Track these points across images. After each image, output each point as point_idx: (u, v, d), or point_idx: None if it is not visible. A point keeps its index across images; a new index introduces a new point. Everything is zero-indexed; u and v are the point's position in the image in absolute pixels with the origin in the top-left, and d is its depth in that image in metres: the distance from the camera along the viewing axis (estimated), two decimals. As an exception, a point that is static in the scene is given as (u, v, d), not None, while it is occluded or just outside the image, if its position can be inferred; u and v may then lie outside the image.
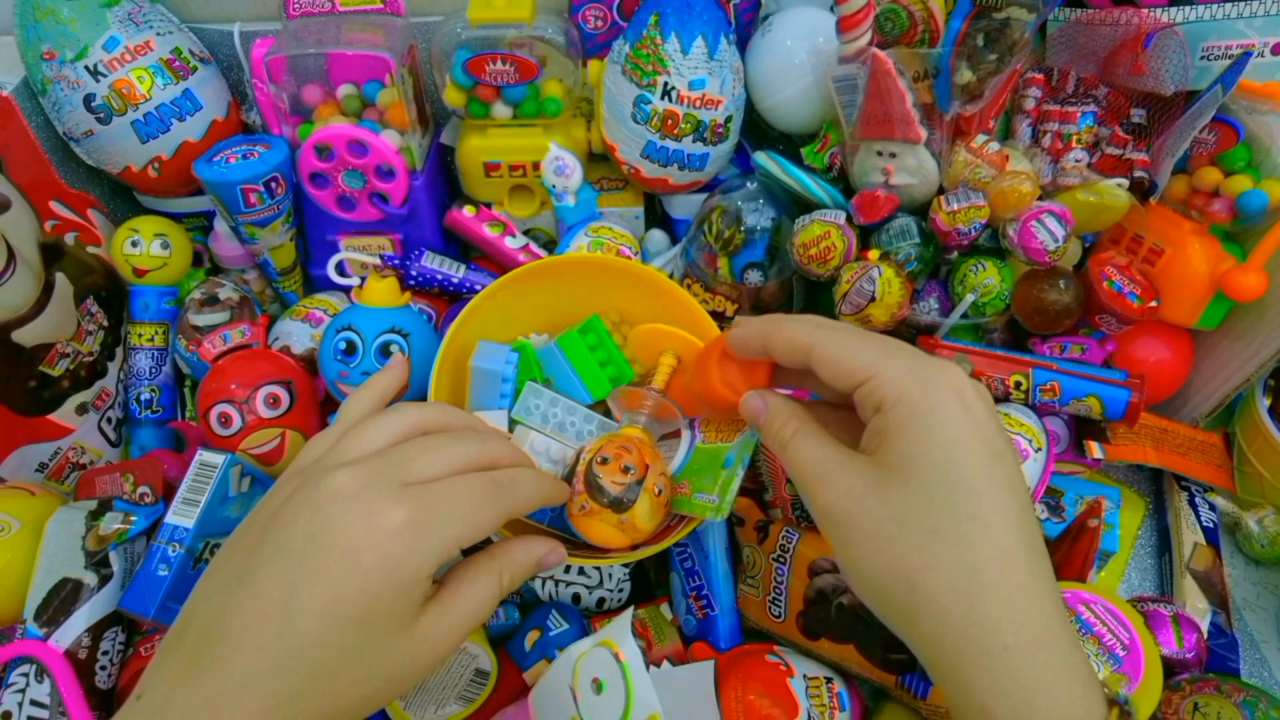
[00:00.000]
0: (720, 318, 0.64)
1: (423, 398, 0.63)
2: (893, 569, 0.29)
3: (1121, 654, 0.50)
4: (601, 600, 0.56)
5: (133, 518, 0.53)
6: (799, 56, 0.59)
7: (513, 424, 0.50)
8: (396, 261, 0.67)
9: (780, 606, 0.53)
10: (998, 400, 0.60)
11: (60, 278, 0.59)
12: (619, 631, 0.42)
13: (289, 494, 0.33)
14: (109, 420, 0.65)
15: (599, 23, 0.64)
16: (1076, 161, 0.58)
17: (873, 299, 0.56)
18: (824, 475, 0.32)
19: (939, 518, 0.29)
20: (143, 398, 0.66)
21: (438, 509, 0.32)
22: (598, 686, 0.40)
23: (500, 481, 0.35)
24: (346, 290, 0.68)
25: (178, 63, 0.61)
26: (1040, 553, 0.31)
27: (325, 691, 0.30)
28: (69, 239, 0.63)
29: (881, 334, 0.34)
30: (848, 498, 0.31)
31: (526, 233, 0.70)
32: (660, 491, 0.43)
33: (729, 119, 0.61)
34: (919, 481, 0.29)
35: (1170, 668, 0.53)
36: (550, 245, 0.71)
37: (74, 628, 0.49)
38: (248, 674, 0.29)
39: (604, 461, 0.43)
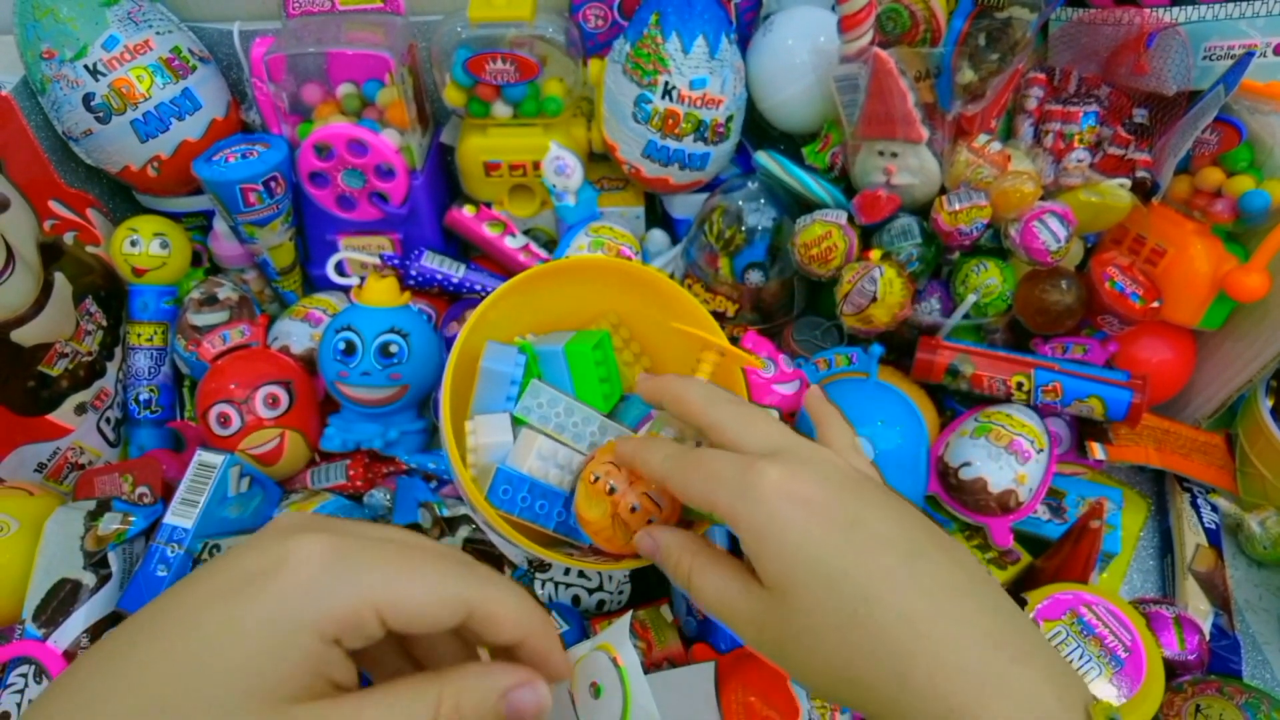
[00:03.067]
0: (721, 318, 0.64)
1: (426, 400, 0.63)
2: (831, 676, 0.29)
3: (1123, 656, 0.50)
4: (601, 602, 0.56)
5: (131, 518, 0.53)
6: (800, 56, 0.59)
7: (516, 422, 0.50)
8: (396, 261, 0.67)
9: (781, 608, 0.53)
10: (1000, 401, 0.60)
11: (59, 277, 0.59)
12: (617, 636, 0.42)
13: None
14: (108, 420, 0.65)
15: (599, 22, 0.63)
16: (1079, 161, 0.58)
17: (874, 299, 0.56)
18: (728, 612, 0.32)
19: (835, 616, 0.29)
20: (141, 398, 0.66)
21: (365, 548, 0.25)
22: (595, 691, 0.39)
23: (468, 562, 0.27)
24: (346, 290, 0.68)
25: (177, 62, 0.61)
26: (953, 570, 0.30)
27: None
28: (68, 238, 0.63)
29: (737, 408, 0.36)
30: (757, 628, 0.31)
31: (527, 232, 0.70)
32: (596, 479, 0.41)
33: (730, 118, 0.61)
34: (799, 595, 0.29)
35: (1172, 669, 0.53)
36: (550, 245, 0.71)
37: (73, 628, 0.49)
38: None
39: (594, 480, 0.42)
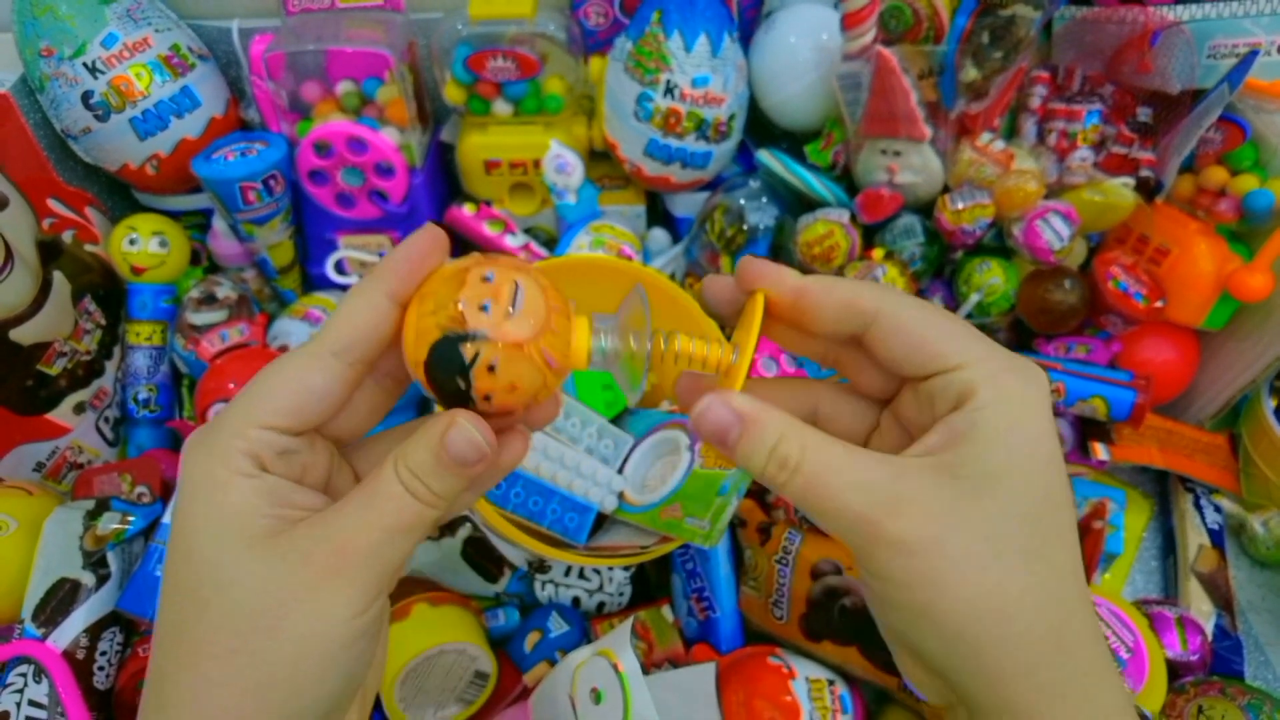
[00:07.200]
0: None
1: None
2: (986, 600, 0.24)
3: (1126, 656, 0.49)
4: (602, 604, 0.55)
5: (130, 518, 0.53)
6: (803, 54, 0.59)
7: None
8: (396, 260, 0.67)
9: (782, 608, 0.53)
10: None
11: (58, 276, 0.59)
12: (618, 642, 0.42)
13: None
14: (106, 420, 0.64)
15: (601, 19, 0.63)
16: (1082, 160, 0.58)
17: (876, 299, 0.56)
18: (888, 499, 0.24)
19: (1031, 535, 0.25)
20: (140, 397, 0.65)
21: (266, 371, 0.25)
22: (596, 696, 0.39)
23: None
24: (345, 289, 0.67)
25: (176, 59, 0.60)
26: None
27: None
28: (66, 237, 0.62)
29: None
30: (928, 522, 0.24)
31: (527, 231, 0.70)
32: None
33: (732, 116, 0.60)
34: (1011, 495, 0.24)
35: (1174, 670, 0.52)
36: (551, 243, 0.70)
37: (72, 628, 0.49)
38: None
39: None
